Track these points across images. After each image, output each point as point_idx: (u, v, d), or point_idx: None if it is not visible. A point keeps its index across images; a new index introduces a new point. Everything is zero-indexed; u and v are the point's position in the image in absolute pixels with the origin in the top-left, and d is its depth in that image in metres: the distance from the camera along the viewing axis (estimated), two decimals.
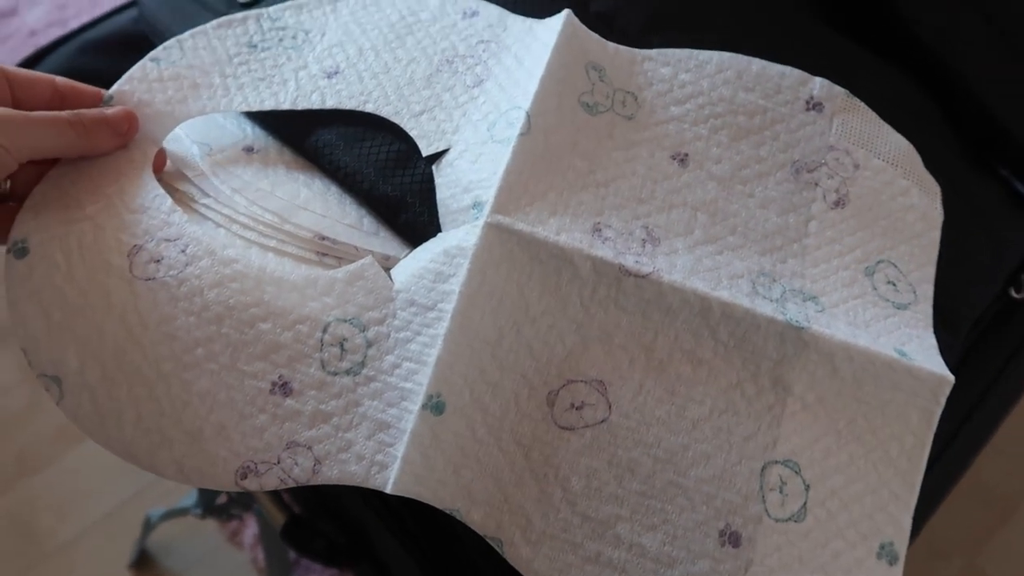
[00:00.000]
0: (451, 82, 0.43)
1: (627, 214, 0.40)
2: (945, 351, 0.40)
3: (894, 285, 0.41)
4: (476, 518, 0.36)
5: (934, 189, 0.44)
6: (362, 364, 0.37)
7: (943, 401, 0.38)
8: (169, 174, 0.44)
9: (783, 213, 0.42)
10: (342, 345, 0.38)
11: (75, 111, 0.38)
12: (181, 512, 0.85)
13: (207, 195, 0.43)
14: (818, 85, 0.44)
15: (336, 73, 0.44)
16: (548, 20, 0.44)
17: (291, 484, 0.36)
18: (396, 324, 0.38)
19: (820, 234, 0.41)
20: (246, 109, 0.43)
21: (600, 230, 0.39)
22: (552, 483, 0.37)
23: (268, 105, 0.43)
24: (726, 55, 0.44)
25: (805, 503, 0.37)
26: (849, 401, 0.38)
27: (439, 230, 0.40)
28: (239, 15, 0.46)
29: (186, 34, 0.44)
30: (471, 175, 0.39)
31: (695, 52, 0.44)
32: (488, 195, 0.38)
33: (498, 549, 0.36)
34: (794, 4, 0.51)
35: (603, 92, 0.43)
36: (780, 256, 0.41)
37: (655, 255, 0.39)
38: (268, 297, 0.38)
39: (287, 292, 0.38)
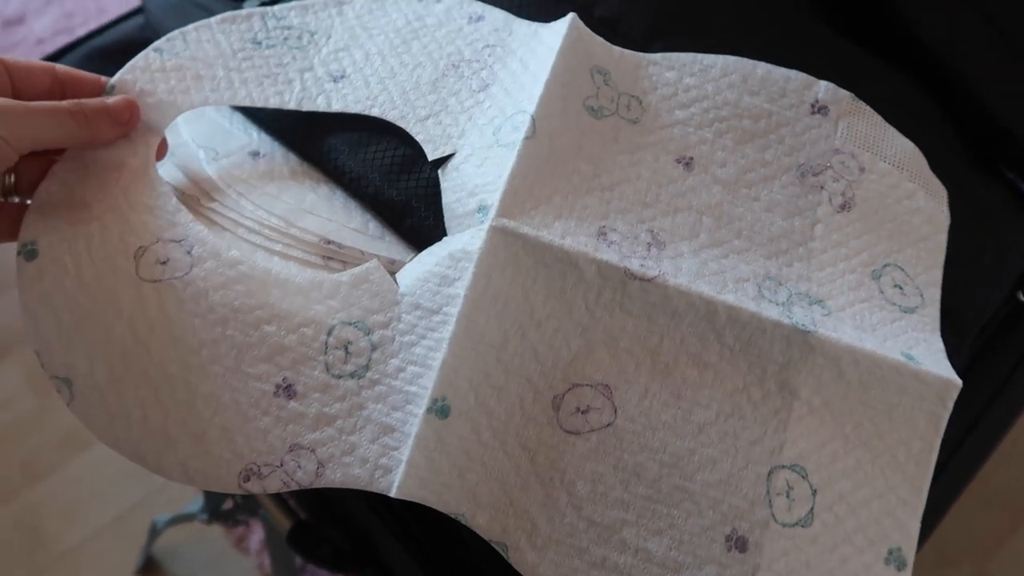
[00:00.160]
0: (457, 87, 0.44)
1: (632, 218, 0.40)
2: (952, 354, 0.40)
3: (901, 288, 0.41)
4: (481, 522, 0.36)
5: (940, 192, 0.44)
6: (367, 367, 0.37)
7: (950, 405, 0.38)
8: (176, 179, 0.44)
9: (789, 217, 0.41)
10: (347, 348, 0.38)
11: (76, 101, 0.38)
12: (187, 518, 0.85)
13: (213, 199, 0.43)
14: (823, 88, 0.44)
15: (343, 77, 0.44)
16: (553, 24, 0.44)
17: (294, 487, 0.36)
18: (401, 328, 0.38)
19: (826, 237, 0.41)
20: (249, 104, 0.43)
21: (605, 234, 0.39)
22: (558, 487, 0.37)
23: (272, 103, 0.43)
24: (731, 59, 0.44)
25: (812, 508, 0.36)
26: (856, 405, 0.38)
27: (444, 234, 0.40)
28: (243, 11, 0.46)
29: (190, 27, 0.44)
30: (476, 179, 0.39)
31: (700, 56, 0.44)
32: (493, 199, 0.38)
33: (503, 554, 0.36)
34: (794, 4, 0.51)
35: (608, 96, 0.43)
36: (786, 260, 0.40)
37: (660, 259, 0.39)
38: (273, 299, 0.38)
39: (292, 295, 0.38)
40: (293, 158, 0.47)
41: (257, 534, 0.96)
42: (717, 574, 0.35)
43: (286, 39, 0.45)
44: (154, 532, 0.90)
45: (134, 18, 0.62)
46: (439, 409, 0.36)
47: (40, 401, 1.05)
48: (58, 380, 0.37)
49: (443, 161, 0.42)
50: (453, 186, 0.40)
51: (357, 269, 0.39)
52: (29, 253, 0.38)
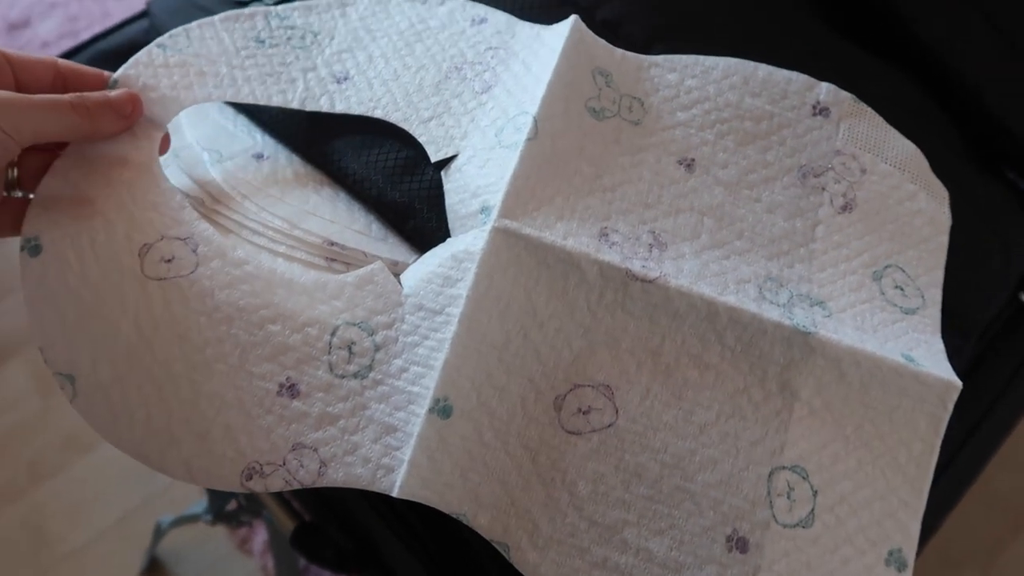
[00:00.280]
0: (460, 88, 0.44)
1: (634, 219, 0.40)
2: (954, 355, 0.40)
3: (902, 290, 0.41)
4: (483, 522, 0.36)
5: (942, 193, 0.44)
6: (370, 367, 0.38)
7: (951, 407, 0.38)
8: (180, 181, 0.44)
9: (790, 218, 0.42)
10: (350, 348, 0.38)
11: (78, 94, 0.38)
12: (191, 519, 0.85)
13: (217, 201, 0.43)
14: (824, 90, 0.44)
15: (346, 79, 0.44)
16: (556, 26, 0.44)
17: (296, 486, 0.36)
18: (404, 328, 0.38)
19: (827, 239, 0.41)
20: (252, 102, 0.43)
21: (607, 235, 0.39)
22: (559, 487, 0.37)
23: (276, 102, 0.43)
24: (732, 61, 0.44)
25: (813, 509, 0.36)
26: (856, 406, 0.38)
27: (447, 236, 0.40)
28: (247, 10, 0.46)
29: (193, 24, 0.45)
30: (479, 180, 0.40)
31: (701, 58, 0.44)
32: (496, 200, 0.38)
33: (504, 554, 0.36)
34: (793, 3, 0.51)
35: (610, 97, 0.43)
36: (787, 261, 0.40)
37: (662, 260, 0.39)
38: (278, 299, 0.38)
39: (297, 295, 0.39)
40: (296, 160, 0.47)
41: (260, 535, 0.96)
42: (718, 574, 0.35)
43: (289, 39, 0.45)
44: (158, 533, 0.91)
45: (139, 21, 0.62)
46: (441, 409, 0.36)
47: (45, 402, 1.06)
48: (61, 376, 0.37)
49: (446, 163, 0.42)
50: (456, 187, 0.41)
51: (362, 270, 0.39)
52: (33, 249, 0.38)
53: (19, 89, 0.38)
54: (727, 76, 0.44)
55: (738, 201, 0.42)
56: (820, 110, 0.44)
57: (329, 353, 0.38)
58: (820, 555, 0.36)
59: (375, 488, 0.36)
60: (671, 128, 0.43)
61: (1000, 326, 0.52)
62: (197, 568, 0.95)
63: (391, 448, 0.36)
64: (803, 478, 0.37)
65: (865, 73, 0.49)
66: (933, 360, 0.38)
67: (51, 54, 0.41)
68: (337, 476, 0.36)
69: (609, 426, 0.37)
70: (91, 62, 0.59)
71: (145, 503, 0.98)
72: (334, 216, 0.43)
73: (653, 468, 0.37)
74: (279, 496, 0.63)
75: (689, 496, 0.36)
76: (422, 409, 0.36)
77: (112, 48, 0.60)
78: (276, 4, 0.51)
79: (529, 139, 0.39)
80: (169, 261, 0.39)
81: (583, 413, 0.37)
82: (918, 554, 0.37)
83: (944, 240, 0.43)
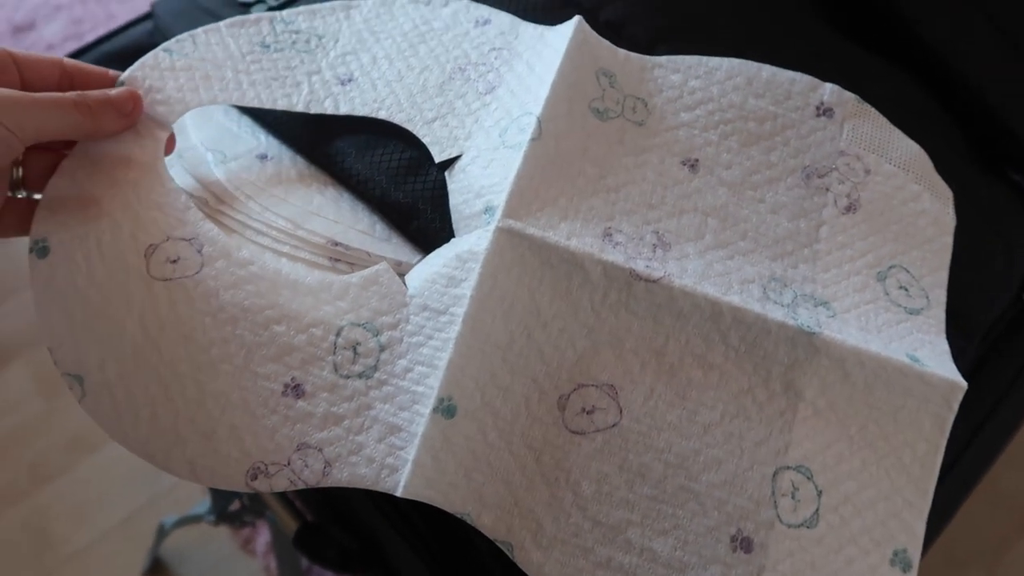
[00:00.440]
0: (463, 89, 0.44)
1: (638, 219, 0.40)
2: (958, 356, 0.40)
3: (906, 290, 0.41)
4: (487, 522, 0.36)
5: (946, 194, 0.44)
6: (375, 368, 0.38)
7: (956, 407, 0.38)
8: (185, 181, 0.44)
9: (794, 218, 0.42)
10: (355, 349, 0.38)
11: (80, 92, 0.38)
12: (194, 519, 0.85)
13: (222, 201, 0.43)
14: (828, 91, 0.44)
15: (350, 81, 0.44)
16: (559, 27, 0.44)
17: (301, 486, 0.36)
18: (409, 329, 0.38)
19: (831, 239, 0.41)
20: (258, 106, 0.44)
21: (611, 235, 0.39)
22: (563, 487, 0.37)
23: (281, 105, 0.44)
24: (736, 61, 0.44)
25: (818, 509, 0.36)
26: (861, 407, 0.38)
27: (450, 236, 0.41)
28: (252, 16, 0.46)
29: (199, 30, 0.45)
30: (483, 180, 0.40)
31: (705, 59, 0.44)
32: (500, 200, 0.38)
33: (508, 553, 0.36)
34: (796, 4, 0.51)
35: (613, 98, 0.43)
36: (791, 261, 0.40)
37: (666, 260, 0.39)
38: (283, 300, 0.39)
39: (302, 295, 0.39)
40: (300, 161, 0.47)
41: (263, 536, 0.96)
42: (722, 574, 0.35)
43: (294, 43, 0.45)
44: (161, 533, 0.91)
45: (143, 24, 0.62)
46: (445, 409, 0.36)
47: (48, 403, 1.06)
48: (70, 377, 0.37)
49: (450, 163, 0.42)
50: (460, 188, 0.41)
51: (366, 271, 0.39)
52: (41, 250, 0.38)
53: (25, 88, 0.38)
54: (731, 77, 0.44)
55: (742, 202, 0.42)
56: (824, 111, 0.44)
57: (334, 353, 0.38)
58: (824, 555, 0.36)
59: (379, 488, 0.36)
60: (675, 129, 0.43)
61: (1004, 327, 0.52)
62: (200, 568, 0.95)
63: (395, 448, 0.36)
64: (807, 478, 0.37)
65: (868, 74, 0.49)
66: (938, 361, 0.38)
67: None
68: (342, 476, 0.36)
69: (613, 426, 0.37)
70: (95, 64, 0.59)
71: (148, 504, 0.98)
72: (338, 216, 0.44)
73: (657, 468, 0.37)
74: (282, 496, 0.63)
75: (693, 496, 0.36)
76: (426, 409, 0.36)
77: (116, 50, 0.60)
78: (280, 7, 0.52)
79: (533, 139, 0.39)
80: (175, 262, 0.39)
81: (587, 413, 0.37)
82: (923, 553, 0.37)
83: (948, 241, 0.43)
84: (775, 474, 0.36)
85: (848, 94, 0.44)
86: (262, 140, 0.48)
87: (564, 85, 0.41)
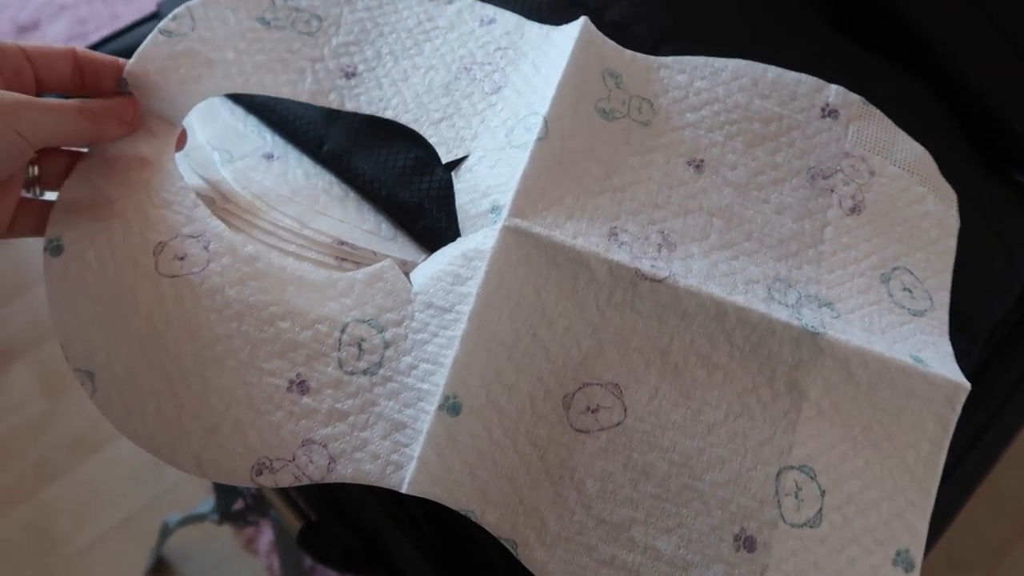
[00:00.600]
0: (469, 89, 0.44)
1: (643, 219, 0.40)
2: (962, 358, 0.40)
3: (910, 292, 0.41)
4: (491, 519, 0.36)
5: (950, 196, 0.44)
6: (379, 364, 0.38)
7: (959, 408, 0.38)
8: (192, 180, 0.44)
9: (799, 219, 0.42)
10: (360, 345, 0.38)
11: (82, 100, 0.39)
12: (198, 518, 0.86)
13: (228, 200, 0.43)
14: (834, 92, 0.44)
15: (354, 75, 0.44)
16: (565, 27, 0.44)
17: (305, 481, 0.37)
18: (414, 326, 0.38)
19: (836, 240, 0.41)
20: (262, 92, 0.43)
21: (616, 234, 0.39)
22: (567, 485, 0.37)
23: (285, 93, 0.43)
24: (741, 62, 0.44)
25: (821, 508, 0.36)
26: (864, 407, 0.38)
27: (457, 236, 0.41)
28: None
29: (196, 2, 0.43)
30: (489, 180, 0.40)
31: (710, 59, 0.45)
32: (506, 199, 0.38)
33: (512, 551, 0.36)
34: (796, 4, 0.51)
35: (619, 98, 0.43)
36: (796, 262, 0.41)
37: (671, 260, 0.39)
38: (288, 296, 0.39)
39: (307, 292, 0.39)
40: (306, 160, 0.47)
41: (267, 535, 0.96)
42: (725, 573, 0.36)
43: (294, 22, 0.45)
44: (165, 533, 0.91)
45: (148, 24, 0.62)
46: (451, 406, 0.36)
47: (51, 403, 1.06)
48: (81, 373, 0.38)
49: (456, 163, 0.42)
50: (466, 187, 0.41)
51: (371, 268, 0.40)
52: (55, 249, 0.39)
53: (39, 83, 0.39)
54: (736, 78, 0.44)
55: (747, 202, 0.42)
56: (829, 112, 0.44)
57: (339, 350, 0.38)
58: (827, 555, 0.36)
59: (384, 484, 0.36)
60: (680, 129, 0.43)
61: (1007, 331, 0.52)
62: (203, 568, 0.95)
63: (400, 445, 0.36)
64: (811, 478, 0.37)
65: (870, 75, 0.49)
66: (941, 362, 0.38)
67: None
68: (346, 472, 0.37)
69: (618, 424, 0.37)
70: None
71: (152, 503, 0.98)
72: (344, 216, 0.44)
73: (661, 467, 0.37)
74: (286, 495, 0.63)
75: (697, 495, 0.36)
76: (431, 406, 0.36)
77: (121, 50, 0.60)
78: None
79: (539, 139, 0.39)
80: (182, 259, 0.39)
81: (592, 411, 0.37)
82: (925, 555, 0.37)
83: (952, 243, 0.43)
84: (779, 473, 0.37)
85: (853, 96, 0.44)
86: (268, 139, 0.48)
87: (570, 85, 0.41)
